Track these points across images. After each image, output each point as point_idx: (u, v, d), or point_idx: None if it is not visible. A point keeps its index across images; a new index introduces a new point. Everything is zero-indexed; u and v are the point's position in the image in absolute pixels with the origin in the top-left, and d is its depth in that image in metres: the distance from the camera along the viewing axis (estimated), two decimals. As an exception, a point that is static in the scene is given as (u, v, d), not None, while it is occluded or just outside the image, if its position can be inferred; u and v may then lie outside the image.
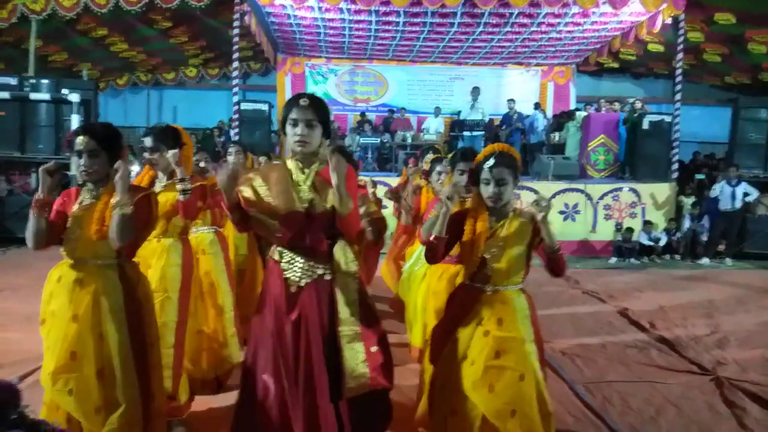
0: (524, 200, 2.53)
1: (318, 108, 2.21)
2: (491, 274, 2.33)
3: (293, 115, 2.19)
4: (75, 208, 2.34)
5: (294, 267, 2.24)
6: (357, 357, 2.21)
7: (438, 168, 3.70)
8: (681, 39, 9.78)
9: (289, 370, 2.18)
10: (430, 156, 4.33)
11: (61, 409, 2.27)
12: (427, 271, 3.55)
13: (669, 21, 9.71)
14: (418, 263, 3.80)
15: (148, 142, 2.93)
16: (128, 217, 2.21)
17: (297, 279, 2.23)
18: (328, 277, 2.25)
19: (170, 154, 2.87)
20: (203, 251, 3.50)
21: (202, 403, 3.33)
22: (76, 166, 2.32)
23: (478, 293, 2.36)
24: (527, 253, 2.37)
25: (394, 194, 4.64)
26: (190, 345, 3.25)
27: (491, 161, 2.29)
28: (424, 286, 3.58)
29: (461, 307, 2.39)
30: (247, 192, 2.23)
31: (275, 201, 2.21)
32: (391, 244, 5.14)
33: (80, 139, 2.26)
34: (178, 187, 2.89)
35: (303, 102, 2.18)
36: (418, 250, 3.86)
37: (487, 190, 2.32)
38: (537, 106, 12.56)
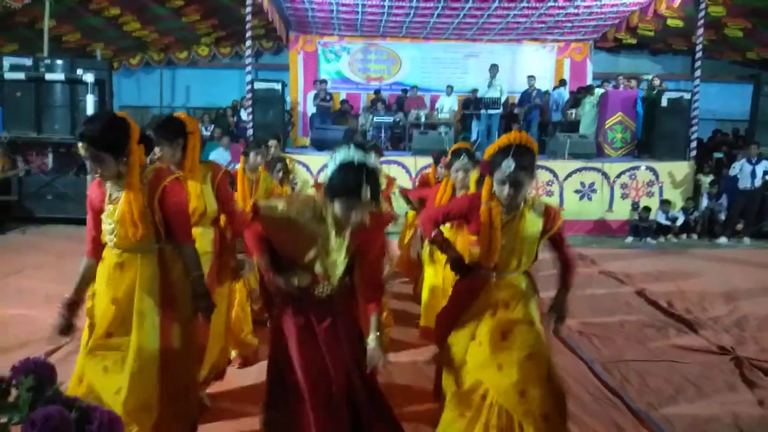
0: (540, 179, 2.51)
1: (373, 189, 2.04)
2: (500, 263, 2.32)
3: (350, 200, 2.04)
4: (106, 204, 2.32)
5: (322, 285, 2.25)
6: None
7: (456, 165, 3.50)
8: (702, 14, 9.54)
9: (322, 369, 2.22)
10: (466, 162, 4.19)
11: (83, 383, 2.29)
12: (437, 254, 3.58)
13: (689, -6, 9.49)
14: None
15: (152, 134, 2.77)
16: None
17: (326, 292, 2.25)
18: (350, 284, 2.29)
19: None
20: None
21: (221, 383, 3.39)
22: (90, 168, 2.31)
23: (485, 279, 2.36)
24: (537, 245, 2.37)
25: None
26: (215, 328, 3.32)
27: (510, 164, 2.19)
28: (429, 271, 3.61)
29: (469, 292, 2.39)
30: (277, 247, 2.24)
31: (306, 263, 2.18)
32: (403, 229, 5.17)
33: (80, 146, 2.19)
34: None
35: (365, 194, 2.01)
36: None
37: (501, 190, 2.26)
38: (563, 83, 12.33)
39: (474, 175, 3.33)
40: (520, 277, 2.37)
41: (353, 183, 2.01)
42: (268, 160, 4.64)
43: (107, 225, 2.31)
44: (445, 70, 13.93)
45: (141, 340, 2.28)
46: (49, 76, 9.00)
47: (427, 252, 3.76)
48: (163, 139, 2.78)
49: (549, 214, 2.34)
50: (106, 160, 2.21)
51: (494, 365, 2.23)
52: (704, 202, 9.18)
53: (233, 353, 3.66)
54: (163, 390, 2.32)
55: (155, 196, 2.28)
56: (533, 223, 2.31)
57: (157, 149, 2.77)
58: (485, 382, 2.25)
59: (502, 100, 11.50)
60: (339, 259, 2.16)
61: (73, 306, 2.34)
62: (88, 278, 2.37)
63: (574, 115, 11.16)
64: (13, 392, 1.28)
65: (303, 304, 2.25)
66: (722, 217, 9.05)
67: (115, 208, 2.29)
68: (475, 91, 12.08)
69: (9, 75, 8.96)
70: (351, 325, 2.28)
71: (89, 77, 8.72)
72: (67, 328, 2.32)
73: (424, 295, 3.67)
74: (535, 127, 11.64)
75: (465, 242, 2.98)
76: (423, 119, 11.70)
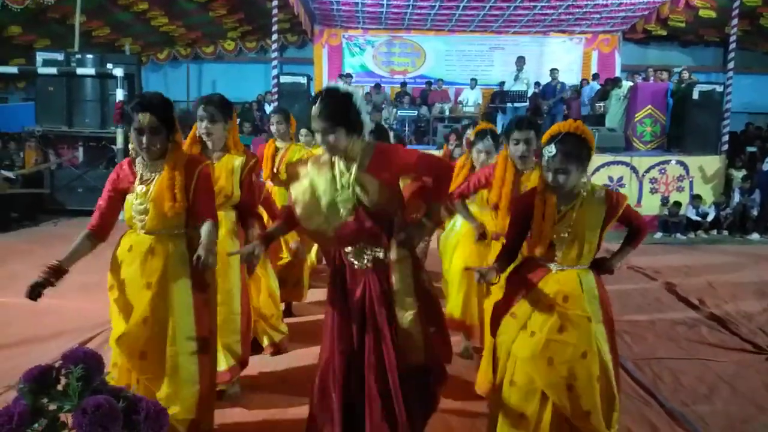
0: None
1: (332, 113, 2.09)
2: (559, 255, 2.24)
3: (313, 124, 2.11)
4: (137, 185, 2.35)
5: (356, 253, 2.24)
6: (416, 337, 2.22)
7: (479, 146, 3.54)
8: (737, 3, 9.30)
9: (352, 345, 2.22)
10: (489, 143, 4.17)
11: (124, 369, 2.36)
12: (461, 239, 3.56)
13: (724, -16, 9.25)
14: (451, 233, 3.79)
15: (209, 110, 2.94)
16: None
17: (361, 263, 2.24)
18: (387, 261, 2.24)
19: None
20: None
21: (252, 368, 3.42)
22: (137, 143, 2.29)
23: (544, 271, 2.27)
24: (600, 234, 2.25)
25: None
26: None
27: (552, 149, 2.13)
28: (457, 254, 3.59)
29: (524, 282, 2.31)
30: (298, 210, 2.23)
31: (325, 213, 2.19)
32: None
33: (141, 116, 2.23)
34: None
35: (314, 111, 2.09)
36: (451, 221, 3.83)
37: (547, 176, 2.20)
38: (596, 77, 12.15)
39: (497, 158, 3.25)
40: (583, 271, 2.27)
41: (311, 102, 2.12)
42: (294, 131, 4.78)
43: (137, 206, 2.33)
44: (470, 63, 13.83)
45: (177, 323, 2.33)
46: (80, 71, 9.16)
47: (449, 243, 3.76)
48: (220, 114, 2.95)
49: (611, 200, 2.24)
50: (161, 133, 2.28)
51: (545, 358, 2.17)
52: (736, 197, 8.97)
53: (266, 341, 3.70)
54: (202, 369, 2.39)
55: (193, 176, 2.34)
56: (594, 212, 2.22)
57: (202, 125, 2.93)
58: (534, 376, 2.19)
59: (529, 94, 11.36)
60: (346, 195, 2.16)
61: (57, 272, 2.24)
62: (81, 252, 2.34)
63: (602, 108, 10.97)
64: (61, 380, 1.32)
65: (342, 275, 2.27)
66: (755, 212, 8.84)
67: (149, 188, 2.32)
68: (502, 84, 11.95)
69: (42, 70, 9.15)
70: (386, 303, 2.23)
71: (119, 71, 8.85)
72: (40, 288, 2.19)
73: (453, 285, 3.64)
74: (560, 120, 11.44)
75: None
76: (447, 113, 11.63)
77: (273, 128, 4.57)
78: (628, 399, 3.23)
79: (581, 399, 2.16)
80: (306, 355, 3.61)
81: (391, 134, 4.53)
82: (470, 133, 4.21)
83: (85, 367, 1.25)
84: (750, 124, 13.51)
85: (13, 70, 10.44)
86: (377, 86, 12.91)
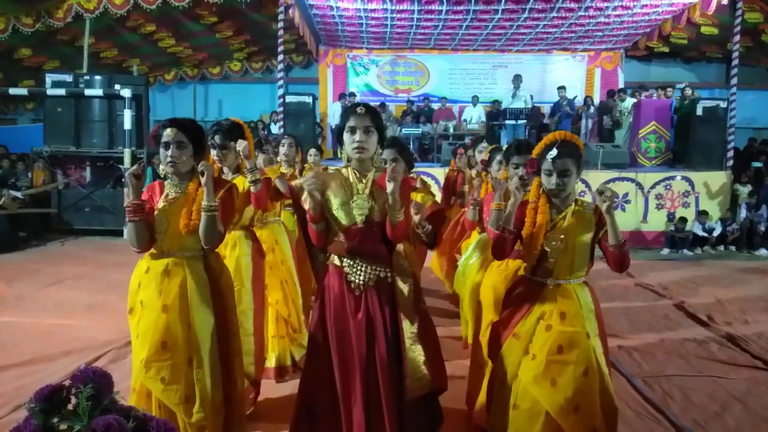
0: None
1: (374, 115, 2.27)
2: (553, 267, 2.26)
3: (351, 122, 2.24)
4: (161, 202, 2.38)
5: (356, 270, 2.26)
6: (418, 359, 2.23)
7: (498, 157, 3.59)
8: (738, 20, 9.37)
9: (353, 370, 2.21)
10: (486, 146, 4.24)
11: (153, 396, 2.34)
12: (484, 263, 3.52)
13: (725, 1, 9.31)
14: (473, 256, 3.76)
15: (217, 139, 3.01)
16: (215, 218, 2.29)
17: (360, 282, 2.25)
18: (389, 280, 2.27)
19: (241, 145, 2.94)
20: (276, 242, 3.57)
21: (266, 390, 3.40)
22: (163, 158, 2.36)
23: (540, 287, 2.29)
24: (591, 245, 2.29)
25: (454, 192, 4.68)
26: (277, 332, 3.43)
27: (554, 152, 2.21)
28: (479, 279, 3.55)
29: (522, 301, 2.32)
30: (307, 204, 2.27)
31: (336, 213, 2.25)
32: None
33: (169, 131, 2.32)
34: (249, 178, 2.96)
35: (360, 110, 2.25)
36: (473, 243, 3.81)
37: (549, 181, 2.25)
38: (611, 93, 12.20)
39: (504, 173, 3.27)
40: (579, 286, 2.29)
41: (351, 107, 2.28)
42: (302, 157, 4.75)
43: (157, 224, 2.36)
44: (474, 81, 13.94)
45: (201, 347, 2.32)
46: (88, 92, 9.27)
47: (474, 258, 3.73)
48: (229, 141, 3.00)
49: (600, 212, 2.26)
50: (187, 149, 2.34)
51: (548, 380, 2.17)
52: (743, 212, 8.94)
53: (288, 360, 3.65)
54: (227, 393, 2.38)
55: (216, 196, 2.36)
56: (585, 223, 2.26)
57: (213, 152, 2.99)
58: (540, 399, 2.19)
59: (528, 110, 11.40)
60: (363, 201, 2.25)
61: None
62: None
63: (611, 124, 10.98)
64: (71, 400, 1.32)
65: (341, 295, 2.26)
66: (762, 228, 8.80)
67: (169, 207, 2.36)
68: (496, 102, 12.01)
69: (51, 91, 9.27)
70: (387, 323, 2.23)
71: (126, 92, 8.96)
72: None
73: (471, 310, 3.61)
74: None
75: None
76: (451, 130, 11.69)
77: (282, 151, 4.40)
78: (638, 417, 3.21)
79: (587, 419, 2.14)
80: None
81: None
82: (484, 153, 4.25)
83: (95, 387, 1.25)
84: (753, 139, 13.51)
85: (23, 91, 10.56)
86: (382, 105, 12.99)
